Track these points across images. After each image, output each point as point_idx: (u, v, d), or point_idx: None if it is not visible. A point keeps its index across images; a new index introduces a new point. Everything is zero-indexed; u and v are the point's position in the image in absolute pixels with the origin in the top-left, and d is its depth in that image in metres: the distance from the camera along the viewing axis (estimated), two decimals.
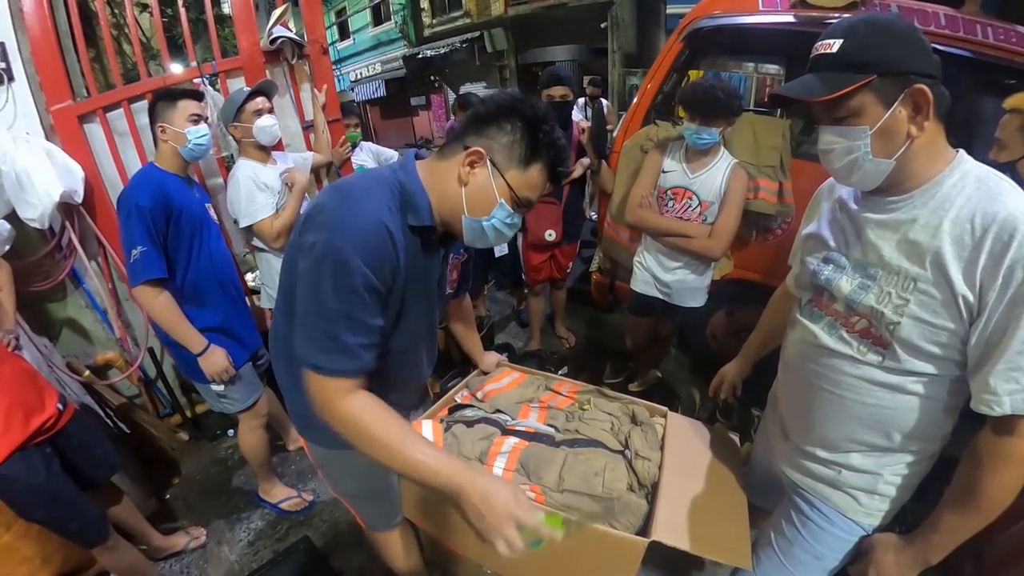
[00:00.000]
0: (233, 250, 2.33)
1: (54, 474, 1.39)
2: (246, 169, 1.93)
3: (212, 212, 1.87)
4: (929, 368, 0.84)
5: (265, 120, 1.94)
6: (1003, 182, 0.79)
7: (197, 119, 1.72)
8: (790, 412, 1.11)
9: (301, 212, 0.96)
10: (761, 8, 2.28)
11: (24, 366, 1.46)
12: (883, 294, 0.86)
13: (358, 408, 0.84)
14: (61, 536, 1.45)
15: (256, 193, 1.91)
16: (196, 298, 1.71)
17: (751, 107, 7.19)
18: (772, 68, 6.98)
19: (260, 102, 1.94)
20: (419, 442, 0.83)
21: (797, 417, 1.08)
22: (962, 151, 0.84)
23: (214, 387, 1.78)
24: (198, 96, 1.80)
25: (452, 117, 3.43)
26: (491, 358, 1.66)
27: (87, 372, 2.16)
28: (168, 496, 2.22)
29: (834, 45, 0.80)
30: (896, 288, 0.84)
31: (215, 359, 1.71)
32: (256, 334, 1.97)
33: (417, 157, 1.00)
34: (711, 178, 1.93)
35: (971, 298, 0.76)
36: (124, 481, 1.93)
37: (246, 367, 1.86)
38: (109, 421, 2.16)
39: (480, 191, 0.90)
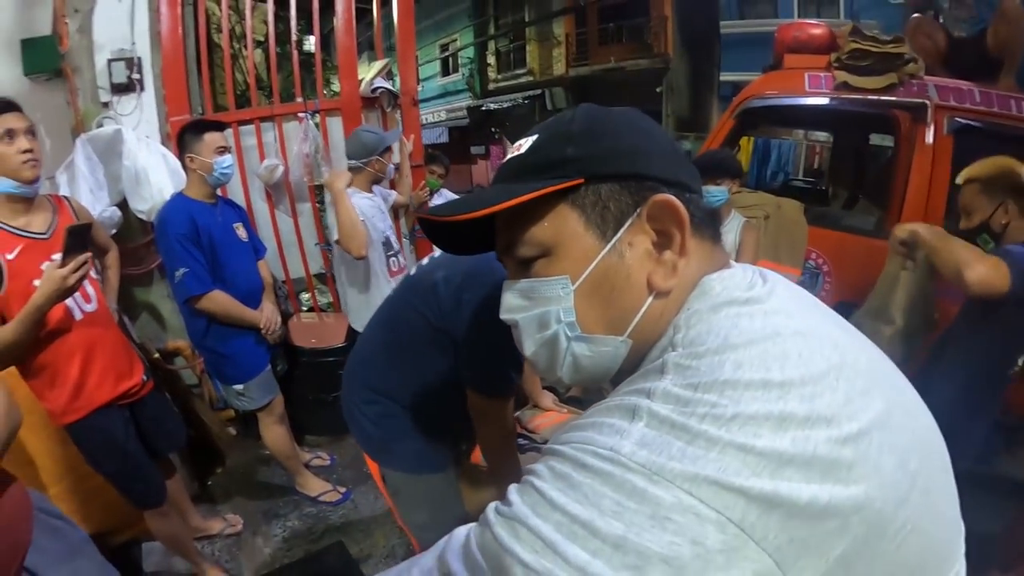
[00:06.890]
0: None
1: (130, 435, 1.52)
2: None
3: (241, 231, 2.02)
4: None
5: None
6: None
7: (223, 150, 1.85)
8: None
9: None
10: (808, 90, 2.47)
11: (122, 336, 1.64)
12: None
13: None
14: (123, 493, 1.56)
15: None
16: None
17: (799, 176, 7.26)
18: (821, 135, 7.12)
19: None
20: None
21: None
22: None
23: (234, 387, 1.97)
24: (222, 127, 1.93)
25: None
26: (547, 398, 1.76)
27: (156, 355, 2.35)
28: (210, 483, 2.32)
29: (525, 144, 0.49)
30: None
31: (266, 317, 1.99)
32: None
33: None
34: (725, 235, 2.04)
35: None
36: (175, 460, 2.06)
37: (265, 370, 2.03)
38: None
39: None
